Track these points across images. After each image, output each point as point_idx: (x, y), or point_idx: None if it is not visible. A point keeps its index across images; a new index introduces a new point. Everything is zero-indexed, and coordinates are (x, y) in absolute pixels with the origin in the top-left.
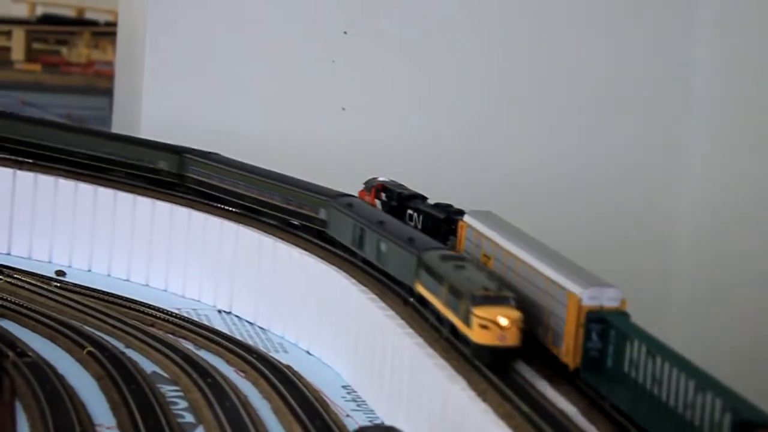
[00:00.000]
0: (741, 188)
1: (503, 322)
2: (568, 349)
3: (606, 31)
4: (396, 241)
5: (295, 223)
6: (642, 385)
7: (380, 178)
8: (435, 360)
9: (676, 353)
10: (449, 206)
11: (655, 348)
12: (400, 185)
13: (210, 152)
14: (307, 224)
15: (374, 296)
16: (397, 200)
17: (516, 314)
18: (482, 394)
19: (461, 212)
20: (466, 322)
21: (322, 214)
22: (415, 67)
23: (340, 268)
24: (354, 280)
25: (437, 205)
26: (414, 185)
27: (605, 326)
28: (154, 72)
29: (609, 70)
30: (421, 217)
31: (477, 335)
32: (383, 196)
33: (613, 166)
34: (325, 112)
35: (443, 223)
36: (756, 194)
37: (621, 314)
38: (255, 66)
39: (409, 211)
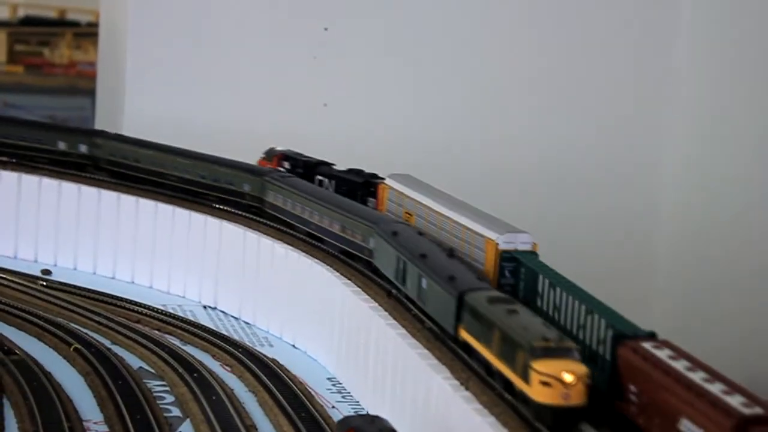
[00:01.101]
0: (722, 186)
1: (568, 378)
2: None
3: (588, 26)
4: (435, 278)
5: (349, 251)
6: (546, 312)
7: (278, 148)
8: (418, 350)
9: (573, 284)
10: (361, 171)
11: (556, 281)
12: (300, 154)
13: (287, 175)
14: (357, 254)
15: (357, 289)
16: (304, 167)
17: (581, 369)
18: (465, 383)
19: (375, 176)
20: (524, 377)
21: (371, 244)
22: (396, 61)
23: (323, 261)
24: (338, 274)
25: (350, 171)
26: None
27: (516, 264)
28: (135, 71)
29: (590, 66)
30: (333, 182)
31: (537, 393)
32: (286, 164)
33: (594, 163)
34: (307, 108)
35: (361, 186)
36: (737, 192)
37: (530, 254)
38: (236, 63)
39: (319, 177)
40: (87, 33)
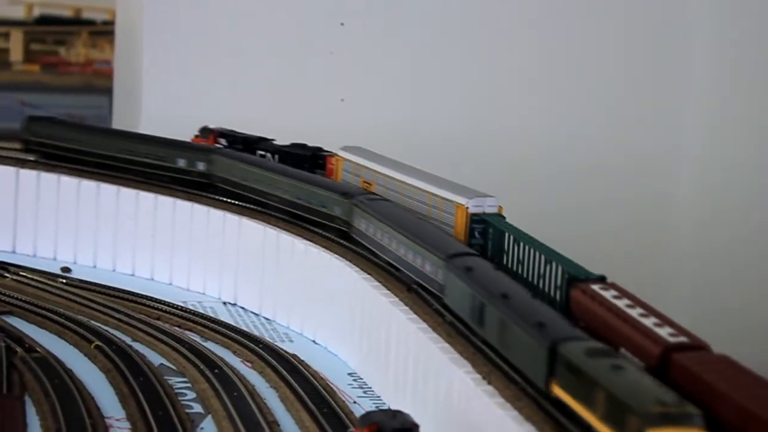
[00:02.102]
0: (740, 174)
1: None
2: None
3: (605, 14)
4: (521, 323)
5: (417, 281)
6: (511, 268)
7: (210, 126)
8: (439, 344)
9: (535, 240)
10: (305, 145)
11: (520, 237)
12: (235, 131)
13: (377, 197)
14: (427, 286)
15: (377, 283)
16: (243, 143)
17: None
18: (487, 377)
19: (321, 149)
20: None
21: (440, 276)
22: (414, 55)
23: (343, 257)
24: (357, 268)
25: (294, 145)
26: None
27: (485, 226)
28: (152, 69)
29: (608, 54)
30: (277, 157)
31: None
32: (223, 141)
33: (613, 152)
34: (325, 103)
35: (309, 159)
36: (755, 180)
37: (497, 216)
38: (253, 60)
39: (260, 152)
40: (103, 31)
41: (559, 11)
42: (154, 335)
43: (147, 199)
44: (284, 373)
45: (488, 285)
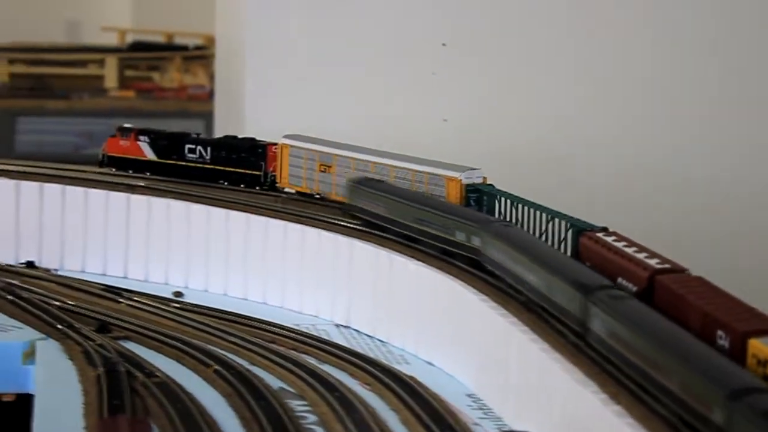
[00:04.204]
0: None
1: None
2: None
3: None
4: (697, 374)
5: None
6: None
7: (127, 125)
8: (563, 364)
9: (528, 200)
10: (236, 137)
11: (515, 200)
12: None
13: (507, 223)
14: (564, 320)
15: (495, 304)
16: (168, 139)
17: None
18: (615, 397)
19: (254, 140)
20: None
21: (579, 311)
22: (518, 74)
23: (457, 277)
24: (474, 290)
25: (226, 137)
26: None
27: (479, 194)
28: (255, 92)
29: (714, 64)
30: (209, 149)
31: None
32: (145, 138)
33: (720, 165)
34: (427, 123)
35: (247, 149)
36: None
37: (488, 185)
38: (355, 80)
39: (189, 146)
40: (195, 56)
41: (675, 25)
42: (271, 358)
43: (258, 222)
44: (404, 395)
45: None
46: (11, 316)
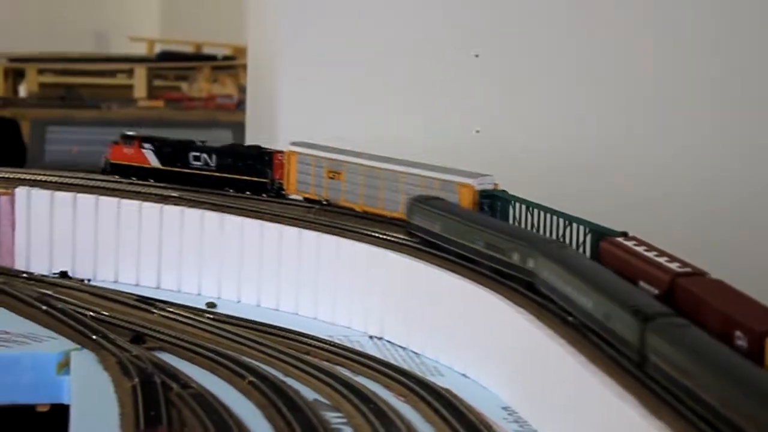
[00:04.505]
0: None
1: None
2: None
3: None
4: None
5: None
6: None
7: (129, 132)
8: (601, 378)
9: (544, 205)
10: (240, 144)
11: (532, 205)
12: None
13: (562, 244)
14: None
15: (531, 317)
16: (172, 146)
17: None
18: (656, 412)
19: (260, 147)
20: None
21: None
22: (550, 85)
23: (493, 290)
24: (510, 302)
25: (231, 145)
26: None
27: (492, 200)
28: (289, 102)
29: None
30: (215, 157)
31: None
32: (149, 146)
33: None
34: (459, 134)
35: (253, 156)
36: None
37: (501, 191)
38: (388, 91)
39: (195, 153)
40: (224, 66)
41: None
42: (305, 370)
43: (291, 234)
44: (439, 407)
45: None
46: (45, 326)
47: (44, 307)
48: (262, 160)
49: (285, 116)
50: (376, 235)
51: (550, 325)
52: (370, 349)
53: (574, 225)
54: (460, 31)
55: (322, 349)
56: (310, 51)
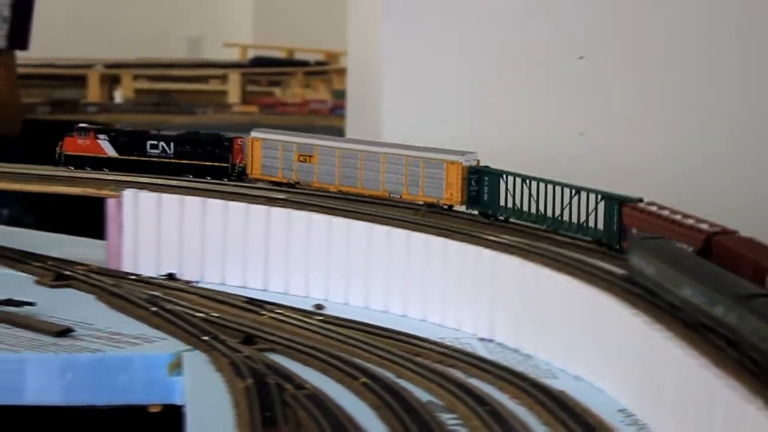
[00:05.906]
0: None
1: None
2: (454, 196)
3: None
4: None
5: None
6: (519, 203)
7: (83, 124)
8: (725, 380)
9: (541, 177)
10: (198, 132)
11: (524, 177)
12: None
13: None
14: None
15: (648, 318)
16: (128, 136)
17: None
18: None
19: (219, 134)
20: None
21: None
22: (656, 87)
23: (608, 291)
24: (625, 303)
25: (188, 133)
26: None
27: (479, 174)
28: (392, 106)
29: None
30: (172, 145)
31: None
32: (104, 136)
33: None
34: (563, 137)
35: (212, 143)
36: None
37: (485, 166)
38: (491, 95)
39: (152, 142)
40: (316, 72)
41: None
42: (418, 371)
43: (399, 236)
44: (555, 409)
45: None
46: (156, 327)
47: (154, 309)
48: (222, 145)
49: (389, 120)
50: (486, 237)
51: (669, 327)
52: (481, 351)
53: (583, 194)
54: (564, 34)
55: (433, 350)
56: (412, 56)
